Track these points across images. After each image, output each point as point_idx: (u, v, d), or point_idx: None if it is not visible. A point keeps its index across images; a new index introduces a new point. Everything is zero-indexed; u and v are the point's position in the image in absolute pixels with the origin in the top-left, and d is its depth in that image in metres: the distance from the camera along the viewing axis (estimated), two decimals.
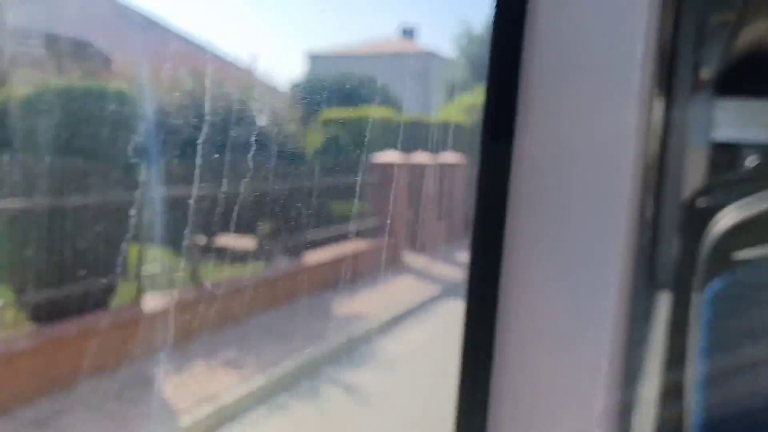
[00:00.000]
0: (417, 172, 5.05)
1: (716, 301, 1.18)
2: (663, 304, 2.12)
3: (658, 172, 2.39)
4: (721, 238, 1.25)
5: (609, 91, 0.49)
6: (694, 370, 1.23)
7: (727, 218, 1.31)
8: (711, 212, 1.83)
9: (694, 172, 3.86)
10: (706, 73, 7.51)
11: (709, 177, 7.36)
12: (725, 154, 8.69)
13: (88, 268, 3.03)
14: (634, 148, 0.48)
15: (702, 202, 2.33)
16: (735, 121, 9.16)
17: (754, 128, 9.03)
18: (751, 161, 8.16)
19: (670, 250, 2.34)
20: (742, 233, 1.44)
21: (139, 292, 3.36)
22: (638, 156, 0.48)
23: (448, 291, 5.57)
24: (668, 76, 2.93)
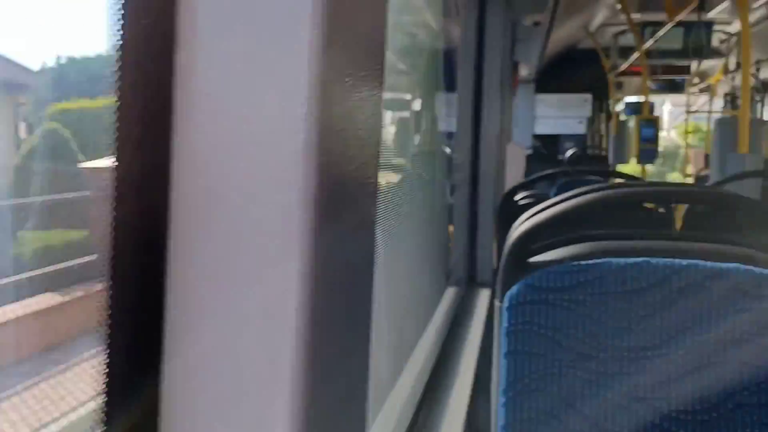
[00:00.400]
0: None
1: (512, 308, 1.16)
2: (482, 307, 2.15)
3: (474, 169, 2.42)
4: (519, 239, 1.24)
5: (273, 84, 0.41)
6: (498, 376, 1.21)
7: (528, 218, 1.31)
8: (521, 211, 1.88)
9: (515, 167, 4.02)
10: (525, 69, 7.98)
11: (529, 171, 7.83)
12: (546, 147, 9.31)
13: None
14: (305, 149, 0.40)
15: (513, 200, 2.40)
16: (554, 114, 9.83)
17: (570, 120, 9.75)
18: (569, 153, 8.79)
19: (487, 251, 2.39)
20: (540, 234, 1.44)
21: None
22: (310, 156, 0.40)
23: None
24: (479, 74, 3.00)
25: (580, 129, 9.54)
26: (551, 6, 4.56)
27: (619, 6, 5.64)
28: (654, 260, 1.16)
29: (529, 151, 8.62)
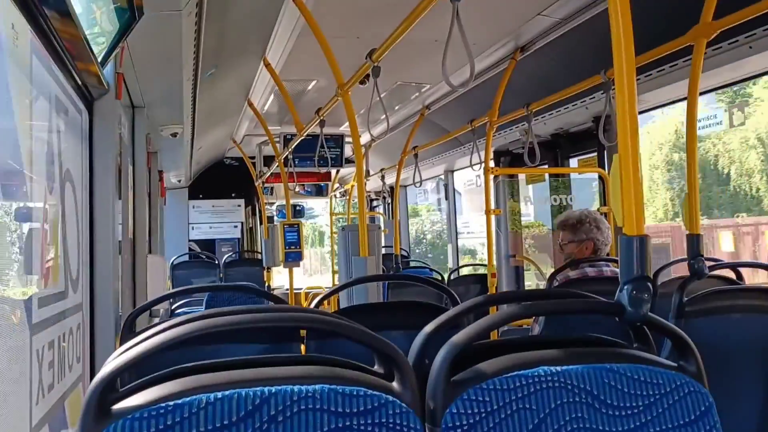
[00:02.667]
0: None
1: None
2: None
3: (90, 287, 2.22)
4: (97, 386, 1.11)
5: None
6: None
7: (113, 360, 1.20)
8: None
9: (157, 279, 3.86)
10: (175, 177, 7.94)
11: (186, 278, 7.66)
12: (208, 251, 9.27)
13: None
14: None
15: (134, 325, 2.25)
16: (209, 220, 9.89)
17: (226, 225, 9.90)
18: (225, 257, 8.84)
19: None
20: (128, 375, 1.34)
21: None
22: None
23: None
24: (119, 183, 2.85)
25: (236, 233, 9.78)
26: (190, 118, 4.62)
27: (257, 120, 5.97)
28: (244, 391, 1.14)
29: (185, 258, 8.48)
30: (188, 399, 1.11)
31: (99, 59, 2.11)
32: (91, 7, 1.98)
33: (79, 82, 2.13)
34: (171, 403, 1.11)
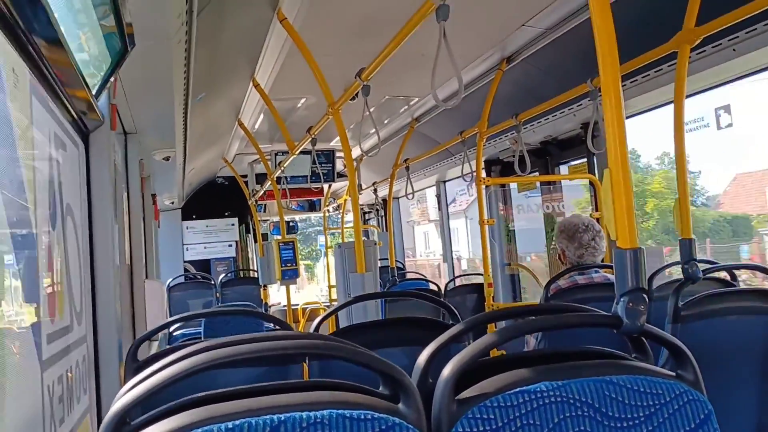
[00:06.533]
0: None
1: None
2: None
3: (94, 317, 2.23)
4: (110, 422, 1.13)
5: None
6: None
7: (124, 394, 1.22)
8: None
9: (155, 303, 3.87)
10: (168, 199, 7.95)
11: (182, 301, 7.66)
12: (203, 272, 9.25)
13: None
14: None
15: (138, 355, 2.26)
16: (203, 240, 9.89)
17: (220, 245, 9.90)
18: (221, 276, 8.83)
19: None
20: (144, 406, 1.36)
21: None
22: None
23: None
24: (115, 206, 2.88)
25: (231, 252, 9.79)
26: (182, 142, 4.65)
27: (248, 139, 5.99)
28: (254, 419, 1.16)
29: (181, 280, 8.47)
30: (200, 430, 1.14)
31: (93, 92, 2.14)
32: (82, 41, 2.01)
33: (75, 116, 2.15)
34: None
